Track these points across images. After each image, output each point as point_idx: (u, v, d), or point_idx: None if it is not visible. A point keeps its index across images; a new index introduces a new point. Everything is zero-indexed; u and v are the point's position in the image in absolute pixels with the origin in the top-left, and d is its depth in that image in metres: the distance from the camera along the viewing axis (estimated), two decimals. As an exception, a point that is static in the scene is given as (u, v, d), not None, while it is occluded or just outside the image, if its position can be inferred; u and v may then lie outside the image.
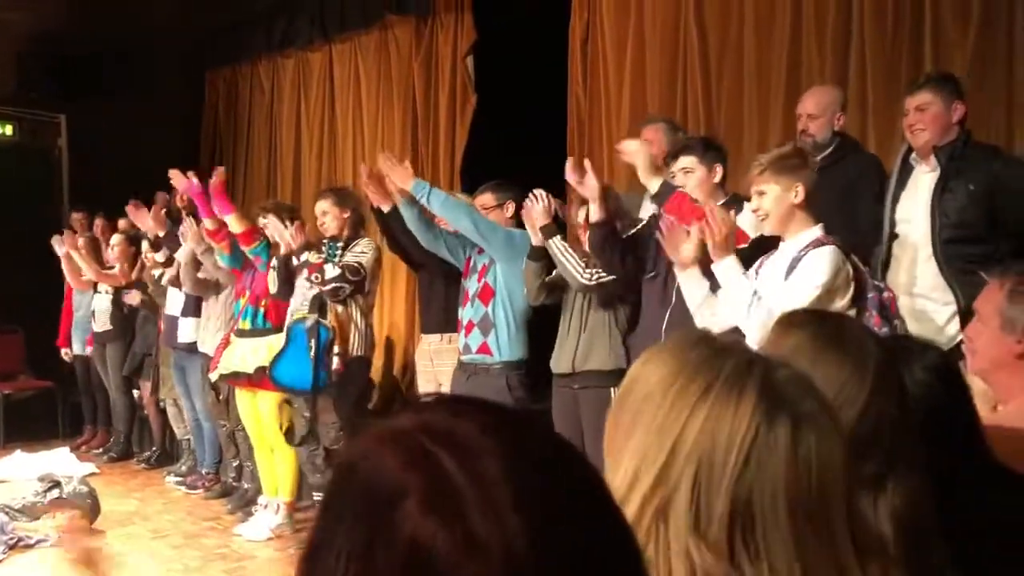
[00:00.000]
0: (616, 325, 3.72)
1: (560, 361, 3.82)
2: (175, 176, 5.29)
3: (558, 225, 3.81)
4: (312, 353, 4.40)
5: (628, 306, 3.72)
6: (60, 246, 6.58)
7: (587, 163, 3.49)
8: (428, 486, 0.56)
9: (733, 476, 0.87)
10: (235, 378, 4.86)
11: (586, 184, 3.44)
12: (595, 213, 3.47)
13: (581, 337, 3.75)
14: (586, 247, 3.73)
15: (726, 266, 2.90)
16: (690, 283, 3.12)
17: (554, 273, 3.83)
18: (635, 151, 3.67)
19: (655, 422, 0.91)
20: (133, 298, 6.28)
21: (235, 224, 4.88)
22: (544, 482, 0.59)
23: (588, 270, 3.65)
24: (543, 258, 3.83)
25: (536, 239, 3.80)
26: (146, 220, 5.67)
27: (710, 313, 3.04)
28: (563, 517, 0.58)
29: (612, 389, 3.54)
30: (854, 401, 1.20)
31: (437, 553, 0.54)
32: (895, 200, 3.30)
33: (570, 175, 3.51)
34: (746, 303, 2.81)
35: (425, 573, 0.54)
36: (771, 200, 2.84)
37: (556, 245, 3.70)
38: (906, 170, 3.31)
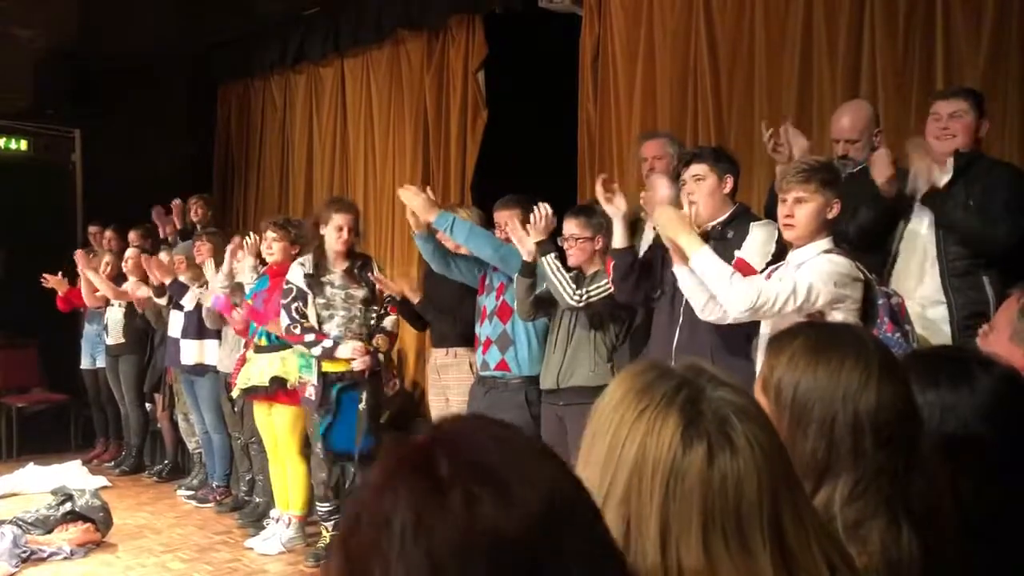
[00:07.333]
0: (603, 341, 3.72)
1: (546, 377, 3.84)
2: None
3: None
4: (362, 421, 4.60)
5: (618, 323, 3.72)
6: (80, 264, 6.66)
7: (615, 185, 3.47)
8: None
9: (660, 497, 0.93)
10: (253, 392, 4.91)
11: (615, 205, 3.42)
12: (620, 238, 3.44)
13: (566, 353, 3.76)
14: (571, 261, 3.74)
15: (702, 254, 2.90)
16: (693, 280, 3.02)
17: (541, 287, 3.82)
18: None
19: (606, 443, 0.98)
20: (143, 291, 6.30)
21: (276, 329, 4.80)
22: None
23: (578, 291, 3.67)
24: (535, 274, 3.82)
25: (527, 254, 3.80)
26: (155, 273, 5.87)
27: (719, 308, 2.98)
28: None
29: None
30: (865, 387, 1.23)
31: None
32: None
33: (600, 194, 3.48)
34: (727, 276, 2.83)
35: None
36: (810, 211, 2.82)
37: (549, 263, 3.70)
38: None
